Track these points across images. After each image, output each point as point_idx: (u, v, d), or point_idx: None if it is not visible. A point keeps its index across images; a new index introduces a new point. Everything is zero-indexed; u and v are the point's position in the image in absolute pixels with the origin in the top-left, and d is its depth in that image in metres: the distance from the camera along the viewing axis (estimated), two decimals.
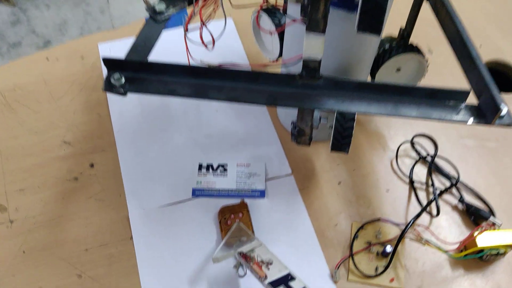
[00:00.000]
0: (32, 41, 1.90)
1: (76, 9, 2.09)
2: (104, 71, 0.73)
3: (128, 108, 0.76)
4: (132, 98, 0.77)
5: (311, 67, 0.48)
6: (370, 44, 0.59)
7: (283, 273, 0.56)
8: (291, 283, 0.55)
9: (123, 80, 0.50)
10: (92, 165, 0.70)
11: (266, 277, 0.55)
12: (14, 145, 0.72)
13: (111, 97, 0.77)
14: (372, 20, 0.44)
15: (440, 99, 0.50)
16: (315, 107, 0.50)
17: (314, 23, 0.44)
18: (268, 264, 0.56)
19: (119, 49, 0.83)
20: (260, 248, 0.58)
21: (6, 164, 0.70)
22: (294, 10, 0.56)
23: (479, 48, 0.84)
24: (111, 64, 0.51)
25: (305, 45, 0.46)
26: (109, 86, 0.51)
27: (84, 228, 0.65)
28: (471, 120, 0.49)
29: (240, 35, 0.86)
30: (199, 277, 0.61)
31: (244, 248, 0.57)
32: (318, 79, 0.50)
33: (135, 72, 0.51)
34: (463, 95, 0.49)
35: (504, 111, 0.47)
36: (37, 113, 0.75)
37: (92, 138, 0.73)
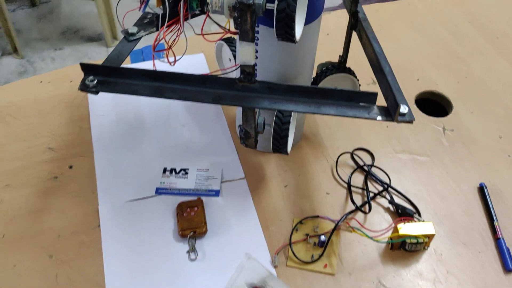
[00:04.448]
0: None
1: (79, 62, 2.26)
2: None
3: (107, 123, 0.87)
4: (111, 115, 0.88)
5: (247, 71, 0.60)
6: (303, 60, 0.70)
7: None
8: None
9: (95, 81, 0.62)
10: (71, 167, 0.80)
11: None
12: (4, 150, 0.82)
13: (93, 113, 0.88)
14: (285, 28, 0.56)
15: (356, 101, 0.61)
16: (253, 106, 0.61)
17: (244, 33, 0.56)
18: None
19: None
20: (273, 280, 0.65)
21: None
22: None
23: (417, 81, 0.96)
24: (87, 68, 0.63)
25: (239, 53, 0.58)
26: (83, 86, 0.62)
27: (59, 220, 0.73)
28: (379, 117, 0.60)
29: (210, 67, 0.98)
30: (155, 262, 0.69)
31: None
32: (254, 82, 0.61)
33: (107, 76, 0.63)
34: (373, 96, 0.60)
35: (404, 109, 0.58)
36: (27, 124, 0.86)
37: (73, 146, 0.83)
